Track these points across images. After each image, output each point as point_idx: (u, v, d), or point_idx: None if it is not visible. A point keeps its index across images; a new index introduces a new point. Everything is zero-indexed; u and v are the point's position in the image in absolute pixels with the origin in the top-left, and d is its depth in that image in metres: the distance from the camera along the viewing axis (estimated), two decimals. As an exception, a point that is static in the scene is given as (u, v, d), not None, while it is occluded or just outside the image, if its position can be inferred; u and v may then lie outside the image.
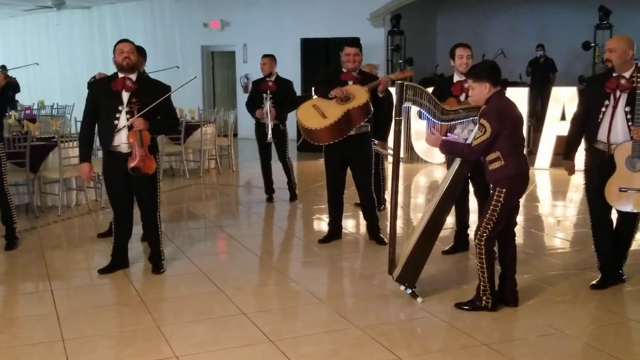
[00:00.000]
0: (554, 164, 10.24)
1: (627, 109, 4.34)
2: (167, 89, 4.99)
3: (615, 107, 4.41)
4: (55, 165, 7.33)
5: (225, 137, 10.71)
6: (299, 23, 14.32)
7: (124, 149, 4.89)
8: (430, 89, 4.82)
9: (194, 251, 5.79)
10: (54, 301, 4.56)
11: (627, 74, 4.38)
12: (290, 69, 8.14)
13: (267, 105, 7.49)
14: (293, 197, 8.01)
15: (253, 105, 7.75)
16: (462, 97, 5.07)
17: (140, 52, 5.35)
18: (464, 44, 5.42)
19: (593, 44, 12.57)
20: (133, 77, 4.91)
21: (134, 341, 3.90)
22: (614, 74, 4.45)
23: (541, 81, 13.40)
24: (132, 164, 4.81)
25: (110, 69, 5.14)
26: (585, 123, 4.65)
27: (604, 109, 4.46)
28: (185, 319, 4.21)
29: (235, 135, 13.10)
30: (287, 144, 7.86)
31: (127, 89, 4.85)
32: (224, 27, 15.79)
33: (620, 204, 4.47)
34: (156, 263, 5.21)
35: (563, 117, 10.15)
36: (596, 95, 4.55)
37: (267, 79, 7.72)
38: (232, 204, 8.53)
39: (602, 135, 4.50)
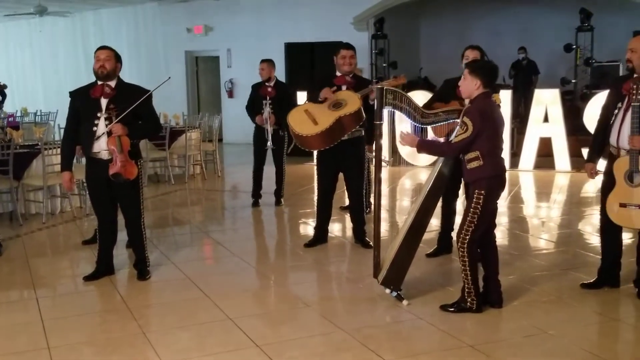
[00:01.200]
0: (538, 166, 10.32)
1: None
2: (144, 92, 4.98)
3: (626, 110, 4.27)
4: (39, 172, 7.28)
5: (210, 142, 10.70)
6: (283, 27, 14.35)
7: (104, 155, 4.88)
8: (418, 92, 4.84)
9: (179, 257, 5.78)
10: (39, 309, 4.53)
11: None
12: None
13: (267, 111, 7.49)
14: (278, 202, 8.02)
15: (253, 108, 7.75)
16: (460, 86, 5.06)
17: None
18: (474, 45, 5.43)
19: (575, 46, 12.69)
20: (112, 83, 4.91)
21: (119, 348, 3.88)
22: (635, 75, 4.27)
23: (524, 83, 13.52)
24: (112, 170, 4.81)
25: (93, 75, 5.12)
26: (605, 125, 4.51)
27: (616, 112, 4.34)
28: (171, 325, 4.20)
29: (220, 140, 13.11)
30: (285, 149, 7.88)
31: (105, 96, 4.87)
32: (207, 32, 15.78)
33: (621, 220, 4.32)
34: (141, 270, 5.19)
35: (546, 119, 10.24)
36: (614, 97, 4.43)
37: (267, 84, 7.72)
38: (217, 209, 8.52)
39: (613, 138, 4.40)
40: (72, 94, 5.10)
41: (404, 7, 14.30)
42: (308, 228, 6.75)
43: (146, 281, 5.13)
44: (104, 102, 4.86)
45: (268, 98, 7.54)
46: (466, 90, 4.21)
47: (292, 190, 8.81)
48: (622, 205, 4.23)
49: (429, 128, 4.65)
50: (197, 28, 15.77)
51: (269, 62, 7.77)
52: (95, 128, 4.84)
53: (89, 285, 5.06)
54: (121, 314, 4.43)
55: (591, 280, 4.73)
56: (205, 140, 10.69)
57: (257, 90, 7.74)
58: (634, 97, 4.03)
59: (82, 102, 4.93)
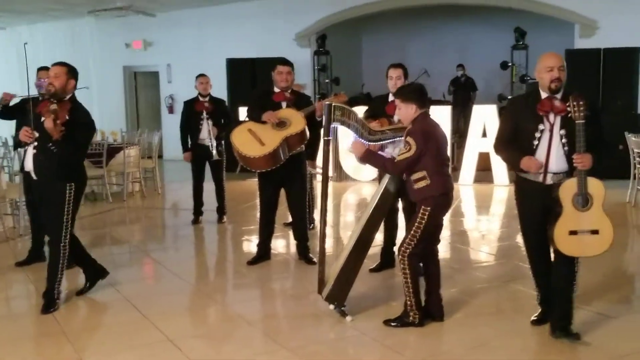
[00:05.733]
0: (477, 180, 10.50)
1: (563, 132, 3.89)
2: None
3: (551, 132, 3.95)
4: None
5: (150, 159, 10.49)
6: (224, 43, 14.27)
7: (33, 175, 4.74)
8: (361, 108, 4.86)
9: (117, 278, 5.59)
10: (-33, 335, 4.33)
11: (558, 95, 3.96)
12: (215, 88, 8.05)
13: (208, 125, 7.46)
14: (220, 219, 7.92)
15: (189, 128, 7.68)
16: (396, 118, 5.12)
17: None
18: (397, 64, 5.47)
19: (510, 64, 13.02)
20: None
21: (54, 374, 3.73)
22: (544, 95, 3.99)
23: (463, 99, 13.81)
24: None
25: (31, 90, 4.94)
26: (511, 142, 4.12)
27: (538, 134, 3.94)
28: (109, 348, 4.07)
29: (160, 156, 12.88)
30: (225, 165, 7.80)
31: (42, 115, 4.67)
32: (146, 47, 15.56)
33: (572, 250, 3.91)
34: (48, 300, 4.75)
35: (484, 134, 10.44)
36: (525, 118, 4.03)
37: (202, 99, 7.65)
38: (157, 227, 8.34)
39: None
40: (23, 101, 4.97)
41: (345, 24, 14.43)
42: (251, 245, 6.67)
43: (83, 302, 4.95)
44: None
45: (205, 113, 7.49)
46: (406, 118, 4.30)
47: (235, 207, 8.72)
48: (573, 232, 3.86)
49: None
50: (136, 43, 15.52)
51: (207, 77, 7.75)
52: (27, 147, 4.73)
53: (22, 308, 4.86)
54: (56, 338, 4.26)
55: (536, 315, 4.36)
56: (144, 156, 10.48)
57: (192, 106, 7.66)
58: (577, 114, 3.74)
59: (25, 117, 4.76)
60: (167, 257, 6.42)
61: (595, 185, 3.84)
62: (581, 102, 3.74)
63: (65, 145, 4.53)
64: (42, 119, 4.55)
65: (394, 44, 15.74)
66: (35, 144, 4.64)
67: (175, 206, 9.72)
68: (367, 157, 4.40)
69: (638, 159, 8.27)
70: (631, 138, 8.46)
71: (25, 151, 4.80)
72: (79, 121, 4.65)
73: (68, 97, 4.71)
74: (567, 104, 3.83)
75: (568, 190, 3.85)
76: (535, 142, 3.97)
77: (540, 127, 3.93)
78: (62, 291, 4.91)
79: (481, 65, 14.57)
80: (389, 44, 15.86)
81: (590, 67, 10.84)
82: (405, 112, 4.27)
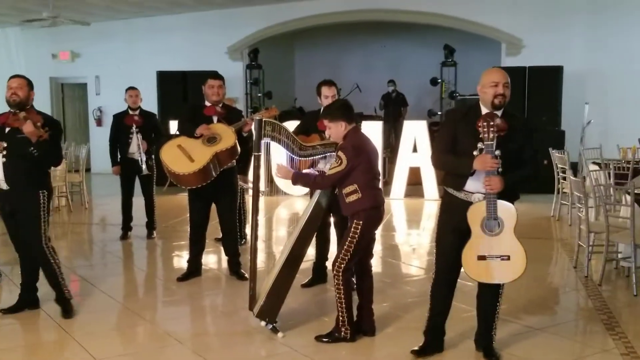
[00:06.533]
0: (408, 194, 10.66)
1: (498, 152, 3.65)
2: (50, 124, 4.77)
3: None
4: None
5: (77, 173, 10.20)
6: (155, 55, 14.07)
7: (3, 185, 4.68)
8: (293, 122, 4.84)
9: (41, 295, 5.36)
10: None
11: (499, 112, 3.80)
12: (146, 102, 7.91)
13: (137, 139, 7.35)
14: (150, 234, 7.76)
15: (118, 141, 7.55)
16: (327, 134, 5.13)
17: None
18: (329, 81, 5.45)
19: (440, 80, 13.32)
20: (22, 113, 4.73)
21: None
22: (485, 111, 3.82)
23: (394, 115, 14.02)
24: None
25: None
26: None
27: (476, 153, 3.68)
28: (30, 371, 3.91)
29: (88, 170, 12.57)
30: (154, 179, 7.67)
31: (9, 125, 4.70)
32: (74, 59, 15.20)
33: (480, 275, 3.81)
34: (63, 305, 4.95)
35: (415, 150, 10.61)
36: (464, 133, 3.83)
37: (132, 112, 7.50)
38: (84, 243, 8.09)
39: (472, 184, 3.78)
40: None
41: (278, 38, 14.48)
42: (181, 261, 6.55)
43: (5, 321, 4.76)
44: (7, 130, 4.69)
45: (135, 126, 7.35)
46: (337, 136, 4.33)
47: (165, 222, 8.56)
48: (481, 257, 3.73)
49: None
50: (63, 54, 15.15)
51: (137, 90, 7.61)
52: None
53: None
54: (-27, 361, 4.07)
55: (419, 346, 4.12)
56: (71, 170, 10.18)
57: (122, 120, 7.52)
58: (486, 135, 3.61)
59: None
60: (94, 274, 6.23)
61: (506, 210, 3.69)
62: (492, 123, 3.61)
63: (46, 147, 4.63)
64: (7, 129, 4.66)
65: (327, 59, 15.89)
66: (4, 152, 4.64)
67: (103, 221, 9.47)
68: (295, 179, 4.42)
69: (562, 174, 8.57)
70: (555, 154, 8.77)
71: None
72: (49, 123, 4.75)
73: (28, 107, 4.84)
74: (508, 123, 3.72)
75: (477, 213, 3.70)
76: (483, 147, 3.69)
77: (480, 145, 3.66)
78: (70, 289, 5.06)
79: (412, 81, 14.84)
80: (321, 59, 16.00)
81: (516, 84, 11.10)
82: (335, 131, 4.31)
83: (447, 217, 3.95)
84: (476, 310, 4.15)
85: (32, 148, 4.57)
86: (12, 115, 4.73)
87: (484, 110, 3.83)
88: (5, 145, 4.64)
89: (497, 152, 3.64)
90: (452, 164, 3.90)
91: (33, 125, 4.56)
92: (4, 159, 4.67)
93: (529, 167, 3.83)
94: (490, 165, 3.62)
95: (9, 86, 4.80)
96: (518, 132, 3.82)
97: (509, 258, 3.72)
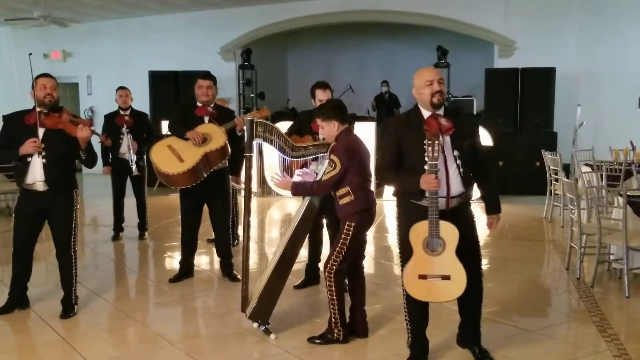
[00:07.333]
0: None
1: (456, 153, 3.68)
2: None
3: (444, 154, 3.68)
4: None
5: (69, 173, 10.14)
6: (148, 55, 14.03)
7: (40, 187, 4.68)
8: (286, 123, 4.82)
9: (33, 297, 5.33)
10: None
11: (441, 112, 3.75)
12: (138, 101, 7.89)
13: (128, 139, 7.31)
14: (142, 235, 7.73)
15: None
16: (321, 136, 5.11)
17: None
18: (323, 83, 5.37)
19: (432, 81, 13.30)
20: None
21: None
22: (426, 113, 3.74)
23: (387, 116, 13.97)
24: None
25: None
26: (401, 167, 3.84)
27: (427, 167, 3.57)
28: (21, 373, 3.88)
29: (80, 170, 12.51)
30: (146, 179, 7.64)
31: (42, 125, 4.68)
32: (66, 58, 15.13)
33: (420, 294, 3.74)
34: (66, 306, 4.95)
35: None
36: (410, 141, 3.72)
37: (122, 112, 7.47)
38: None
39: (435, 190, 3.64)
40: (5, 118, 4.88)
41: (271, 38, 14.46)
42: (173, 262, 6.52)
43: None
44: (41, 131, 4.67)
45: (125, 127, 7.33)
46: (330, 136, 4.32)
47: (157, 223, 8.52)
48: (422, 277, 3.69)
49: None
50: (55, 54, 15.09)
51: (128, 90, 7.59)
52: (29, 158, 4.65)
53: None
54: (-38, 363, 4.04)
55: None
56: (63, 170, 10.11)
57: (113, 120, 7.49)
58: (430, 155, 3.51)
59: (17, 129, 4.72)
60: (86, 275, 6.19)
61: (448, 230, 3.64)
62: (437, 142, 3.50)
63: (92, 150, 4.82)
64: (41, 129, 4.65)
65: (320, 60, 15.87)
66: (44, 153, 4.64)
67: (94, 222, 9.42)
68: (295, 190, 4.42)
69: (554, 176, 8.59)
70: (547, 155, 8.78)
71: (27, 164, 4.68)
72: None
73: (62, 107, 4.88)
74: (453, 121, 3.68)
75: (419, 233, 3.66)
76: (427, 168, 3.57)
77: (425, 166, 3.55)
78: (79, 296, 5.06)
79: (405, 82, 14.72)
80: (314, 60, 15.98)
81: (509, 86, 11.22)
82: (328, 130, 4.30)
83: (409, 226, 3.74)
84: (458, 311, 4.10)
85: (81, 151, 4.69)
86: (45, 116, 4.70)
87: (425, 113, 3.75)
88: (43, 146, 4.63)
89: (456, 153, 3.67)
90: (400, 181, 3.88)
91: (90, 129, 4.65)
92: (44, 160, 4.66)
93: (494, 173, 3.86)
94: (433, 186, 3.55)
95: (44, 85, 4.77)
96: (464, 126, 3.78)
97: (449, 278, 3.68)
